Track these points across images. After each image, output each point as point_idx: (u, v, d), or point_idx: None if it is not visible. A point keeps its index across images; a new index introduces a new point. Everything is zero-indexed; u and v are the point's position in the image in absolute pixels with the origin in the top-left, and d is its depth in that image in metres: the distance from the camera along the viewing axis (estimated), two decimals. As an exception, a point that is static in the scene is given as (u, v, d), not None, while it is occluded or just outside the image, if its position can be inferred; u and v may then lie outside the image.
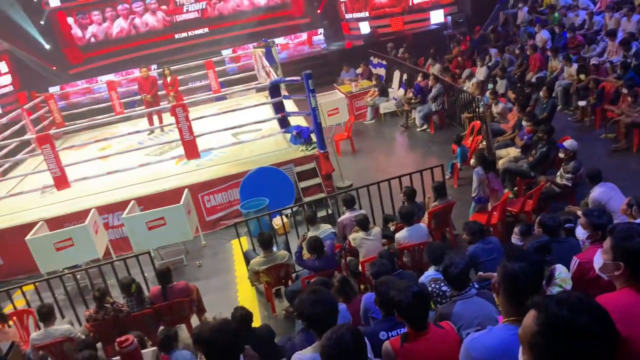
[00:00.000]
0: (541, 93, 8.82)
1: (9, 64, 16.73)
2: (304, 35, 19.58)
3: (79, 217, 7.52)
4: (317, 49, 18.48)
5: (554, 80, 10.14)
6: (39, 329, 5.25)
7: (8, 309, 5.93)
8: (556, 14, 12.97)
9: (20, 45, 17.02)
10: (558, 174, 6.58)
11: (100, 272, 6.28)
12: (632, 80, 8.18)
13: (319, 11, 19.60)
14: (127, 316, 5.20)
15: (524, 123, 7.81)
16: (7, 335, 5.04)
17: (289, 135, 9.03)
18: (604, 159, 7.62)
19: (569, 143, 6.50)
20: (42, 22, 17.66)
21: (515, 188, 7.01)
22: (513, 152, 7.75)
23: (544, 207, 6.43)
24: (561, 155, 6.58)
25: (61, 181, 8.29)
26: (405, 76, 12.53)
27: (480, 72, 11.65)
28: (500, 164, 7.37)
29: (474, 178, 6.48)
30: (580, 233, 4.37)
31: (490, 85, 10.39)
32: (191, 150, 8.51)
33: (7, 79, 16.67)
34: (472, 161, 7.50)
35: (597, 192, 5.32)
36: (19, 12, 16.75)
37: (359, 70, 13.93)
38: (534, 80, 10.45)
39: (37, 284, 6.20)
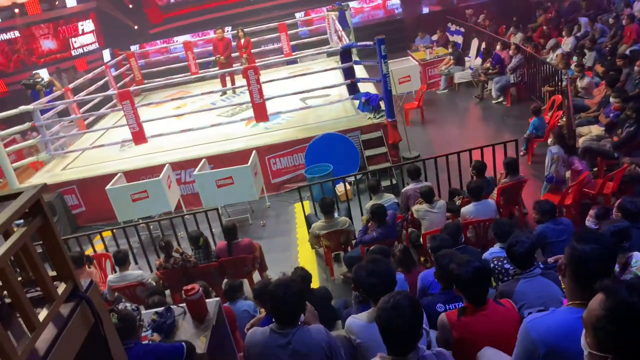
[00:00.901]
0: (636, 67, 8.12)
1: (95, 23, 17.63)
2: (379, -1, 19.08)
3: (154, 171, 7.95)
4: (392, 13, 17.98)
5: (651, 54, 9.28)
6: (115, 272, 5.68)
7: (88, 252, 6.43)
8: (660, -20, 11.77)
9: (106, 4, 17.83)
10: (645, 156, 6.11)
11: (171, 224, 6.65)
12: None
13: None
14: (194, 267, 5.49)
15: (611, 99, 7.24)
16: (91, 275, 5.50)
17: (357, 102, 8.94)
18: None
19: (661, 123, 5.99)
20: (126, -18, 18.36)
21: (595, 169, 6.59)
22: (595, 130, 7.25)
23: (625, 191, 6.01)
24: (651, 136, 6.08)
25: (139, 136, 8.74)
26: (483, 45, 11.94)
27: (567, 43, 10.86)
28: (581, 142, 6.93)
29: (547, 156, 6.15)
30: (665, 220, 4.06)
31: (576, 58, 9.70)
32: (260, 113, 8.66)
33: (93, 36, 17.61)
34: (549, 140, 7.11)
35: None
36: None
37: (435, 37, 13.44)
38: (627, 53, 9.62)
39: (114, 230, 6.69)
